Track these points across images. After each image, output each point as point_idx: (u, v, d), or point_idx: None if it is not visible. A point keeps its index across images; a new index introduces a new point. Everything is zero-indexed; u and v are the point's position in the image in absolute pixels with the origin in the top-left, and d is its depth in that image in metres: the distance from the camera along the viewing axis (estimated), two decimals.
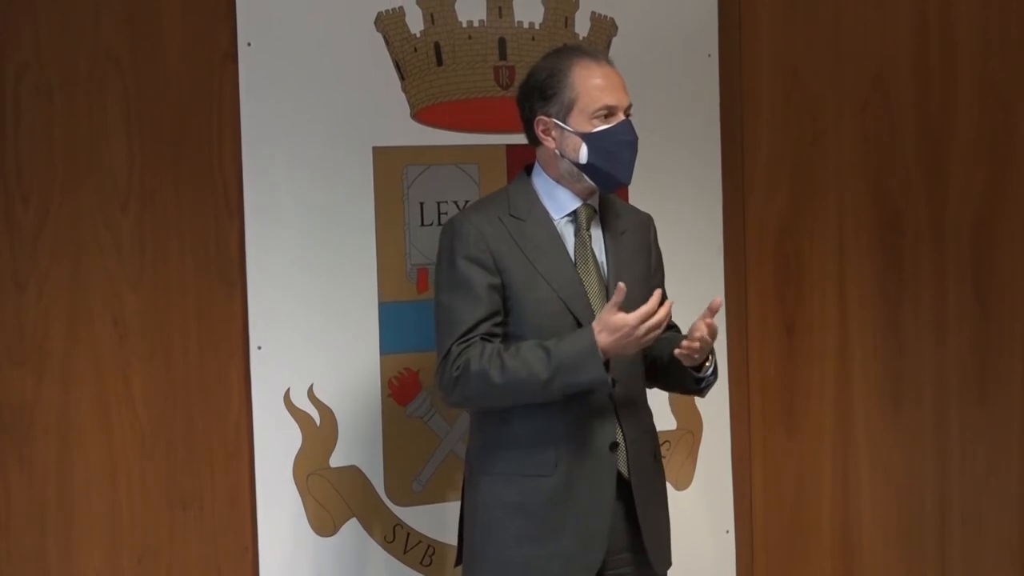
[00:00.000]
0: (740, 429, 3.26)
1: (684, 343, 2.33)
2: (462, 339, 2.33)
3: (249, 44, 2.78)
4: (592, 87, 2.35)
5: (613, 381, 2.32)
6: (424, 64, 2.91)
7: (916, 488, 3.34)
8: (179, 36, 2.76)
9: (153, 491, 2.77)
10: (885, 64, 3.28)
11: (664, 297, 2.58)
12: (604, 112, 2.35)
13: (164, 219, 2.77)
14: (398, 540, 2.92)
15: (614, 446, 2.37)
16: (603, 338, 2.24)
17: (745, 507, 3.27)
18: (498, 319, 2.37)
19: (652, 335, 2.25)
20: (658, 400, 3.07)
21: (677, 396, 3.14)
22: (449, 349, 2.34)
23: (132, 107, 2.74)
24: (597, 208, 2.47)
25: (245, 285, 2.80)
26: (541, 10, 3.00)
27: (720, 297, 2.36)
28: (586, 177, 2.38)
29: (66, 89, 2.69)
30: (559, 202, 2.43)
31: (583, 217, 2.43)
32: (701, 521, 3.21)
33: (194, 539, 2.80)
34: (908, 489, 3.33)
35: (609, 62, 2.42)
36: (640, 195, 3.05)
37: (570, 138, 2.36)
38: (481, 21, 2.95)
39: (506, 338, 2.38)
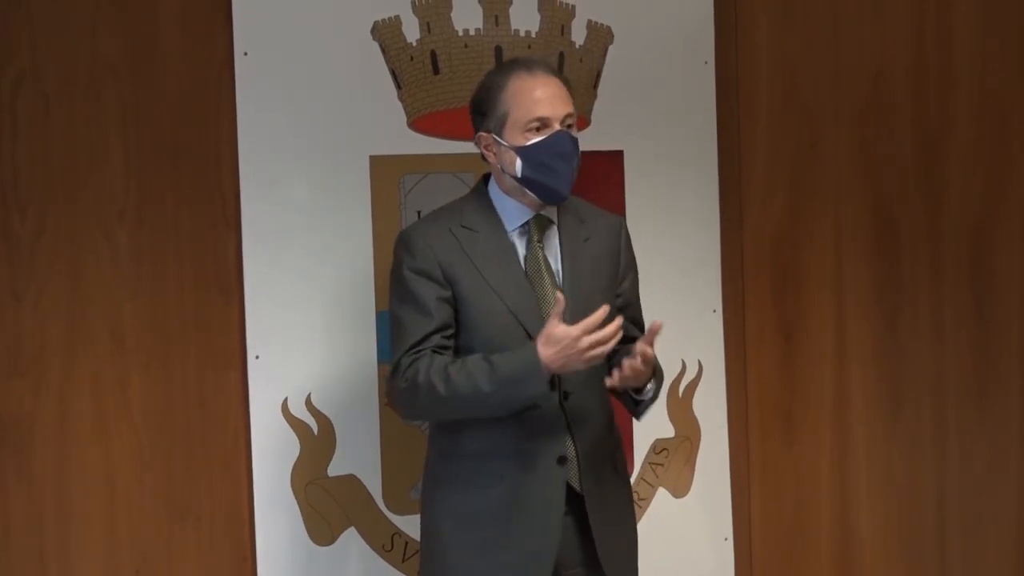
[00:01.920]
0: (738, 436, 3.26)
1: (625, 365, 2.27)
2: (411, 351, 2.32)
3: (246, 53, 2.79)
4: (524, 100, 2.33)
5: (566, 394, 2.31)
6: (421, 73, 2.91)
7: (915, 493, 3.34)
8: (176, 45, 2.77)
9: (151, 502, 2.77)
10: (882, 70, 3.28)
11: (637, 303, 2.57)
12: (536, 124, 2.32)
13: (162, 229, 2.77)
14: (396, 549, 2.91)
15: (562, 460, 2.33)
16: (545, 351, 2.20)
17: (744, 514, 3.27)
18: (448, 331, 2.35)
19: (597, 351, 2.18)
20: (656, 408, 3.05)
21: (675, 404, 3.15)
22: (399, 361, 2.33)
23: (129, 117, 2.74)
24: (555, 218, 2.43)
25: (243, 294, 2.80)
26: (537, 18, 3.00)
27: (660, 321, 2.27)
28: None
29: (63, 98, 2.69)
30: (511, 214, 2.41)
31: (535, 229, 2.40)
32: (700, 528, 3.20)
33: (192, 550, 2.80)
34: (907, 494, 3.33)
35: (549, 73, 2.37)
36: (636, 202, 3.06)
37: (507, 152, 2.34)
38: (477, 29, 2.96)
39: (457, 351, 2.36)
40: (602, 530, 2.37)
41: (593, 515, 2.35)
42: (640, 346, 2.26)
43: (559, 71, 2.47)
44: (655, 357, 2.33)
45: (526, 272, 2.38)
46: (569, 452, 2.34)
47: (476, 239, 2.38)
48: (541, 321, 2.31)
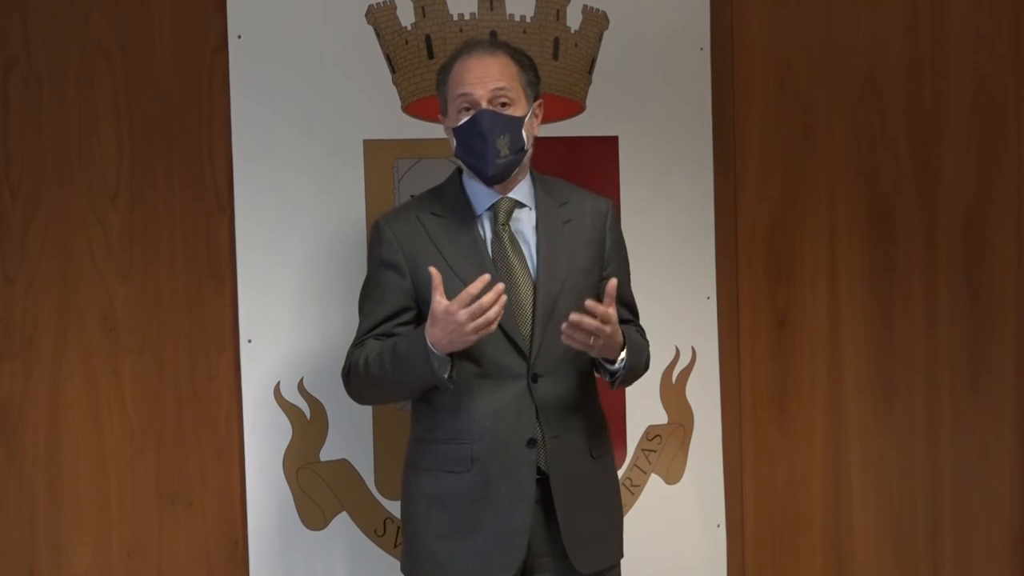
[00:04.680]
0: (731, 423, 3.26)
1: (573, 317, 2.21)
2: (359, 340, 2.37)
3: (240, 36, 2.78)
4: (454, 81, 2.36)
5: (535, 376, 2.29)
6: (415, 57, 2.90)
7: (907, 481, 3.34)
8: (169, 28, 2.76)
9: (143, 485, 2.77)
10: (877, 59, 3.27)
11: (626, 286, 2.53)
12: (465, 105, 2.34)
13: (154, 212, 2.77)
14: (388, 533, 2.91)
15: (531, 442, 2.32)
16: (433, 332, 2.19)
17: (736, 501, 3.27)
18: (402, 319, 2.36)
19: (480, 320, 2.14)
20: (649, 394, 3.09)
21: (668, 390, 3.15)
22: (349, 350, 2.38)
23: (122, 100, 2.73)
24: (529, 200, 2.42)
25: (235, 278, 2.80)
26: (532, 3, 2.99)
27: (615, 280, 2.25)
28: None
29: (55, 82, 2.69)
30: (479, 197, 2.41)
31: (501, 211, 2.40)
32: (692, 515, 3.20)
33: (184, 533, 2.80)
34: (899, 482, 3.33)
35: (486, 52, 2.36)
36: (631, 188, 3.05)
37: (450, 135, 2.38)
38: (472, 14, 2.95)
39: None
40: (569, 514, 2.34)
41: (559, 498, 2.33)
42: (593, 304, 2.21)
43: (514, 48, 2.45)
44: (617, 323, 2.27)
45: (492, 256, 2.37)
46: (538, 435, 2.33)
47: (443, 225, 2.39)
48: (506, 304, 2.27)
